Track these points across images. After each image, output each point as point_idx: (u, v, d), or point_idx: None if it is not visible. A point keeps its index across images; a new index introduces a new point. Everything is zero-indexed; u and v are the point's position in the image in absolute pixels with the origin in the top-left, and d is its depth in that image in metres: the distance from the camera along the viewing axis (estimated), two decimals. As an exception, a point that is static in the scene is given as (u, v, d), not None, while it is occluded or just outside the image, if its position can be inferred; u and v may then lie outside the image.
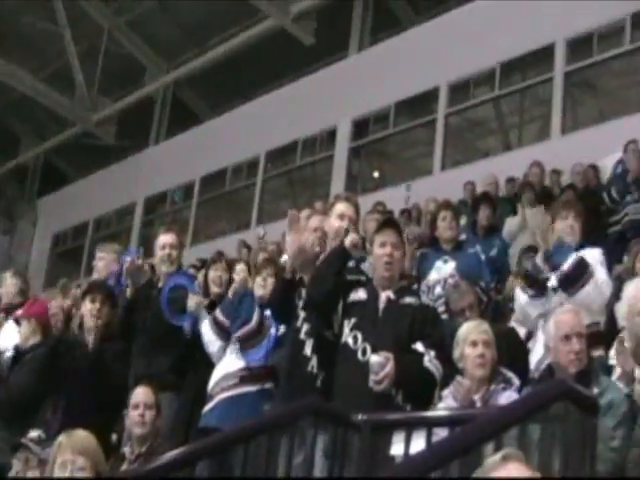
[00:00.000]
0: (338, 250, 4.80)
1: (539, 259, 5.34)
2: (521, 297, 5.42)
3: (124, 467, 4.96)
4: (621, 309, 5.13)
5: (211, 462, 3.87)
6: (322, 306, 4.69)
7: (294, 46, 17.72)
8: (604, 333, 5.45)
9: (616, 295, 5.57)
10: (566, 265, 5.21)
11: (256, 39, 18.27)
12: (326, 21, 17.47)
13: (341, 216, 5.11)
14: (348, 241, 4.76)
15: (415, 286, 6.01)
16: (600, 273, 5.26)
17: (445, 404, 4.47)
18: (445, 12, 15.51)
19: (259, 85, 18.80)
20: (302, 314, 4.97)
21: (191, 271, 7.82)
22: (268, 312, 5.61)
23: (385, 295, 4.55)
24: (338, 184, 15.90)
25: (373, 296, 4.57)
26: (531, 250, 7.70)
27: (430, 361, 4.33)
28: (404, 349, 4.33)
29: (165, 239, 6.44)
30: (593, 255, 5.40)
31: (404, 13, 17.40)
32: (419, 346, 4.37)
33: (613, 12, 12.59)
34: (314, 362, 4.79)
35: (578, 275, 5.18)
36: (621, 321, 5.19)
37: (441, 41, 14.66)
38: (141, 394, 5.20)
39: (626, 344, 4.71)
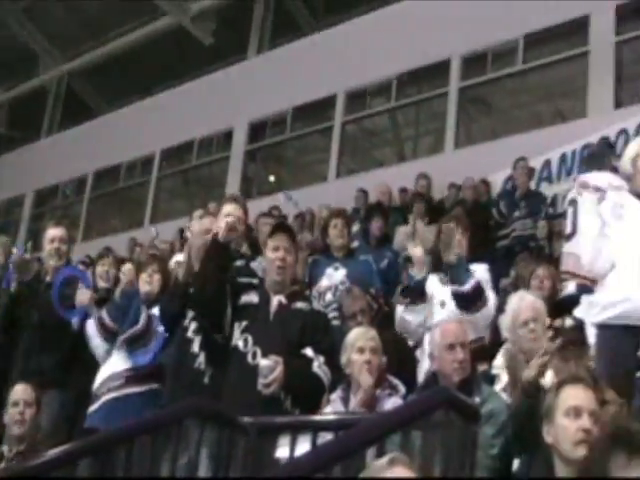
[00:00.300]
0: (212, 243, 4.69)
1: (413, 270, 5.43)
2: (398, 308, 5.51)
3: (2, 465, 4.84)
4: (505, 321, 5.26)
5: (93, 461, 3.80)
6: (208, 305, 4.63)
7: (193, 45, 17.64)
8: (488, 348, 5.58)
9: (500, 308, 5.72)
10: (468, 286, 5.33)
11: (155, 35, 18.14)
12: (226, 22, 17.45)
13: (228, 217, 5.12)
14: (217, 233, 4.68)
15: (307, 292, 6.03)
16: (489, 295, 5.41)
17: (333, 408, 4.50)
18: (345, 21, 15.62)
19: (157, 82, 18.64)
20: (190, 313, 4.93)
21: (80, 267, 7.67)
22: (155, 311, 5.55)
23: (277, 299, 4.54)
24: (233, 186, 15.87)
25: (265, 300, 4.56)
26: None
27: (319, 367, 4.34)
28: (294, 354, 4.34)
29: (54, 233, 6.32)
30: (481, 273, 5.55)
31: (304, 18, 17.48)
32: (309, 351, 4.38)
33: (507, 32, 12.95)
34: (202, 359, 4.76)
35: (476, 298, 5.32)
36: (504, 333, 5.33)
37: (340, 49, 14.75)
38: (20, 391, 5.08)
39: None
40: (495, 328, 5.73)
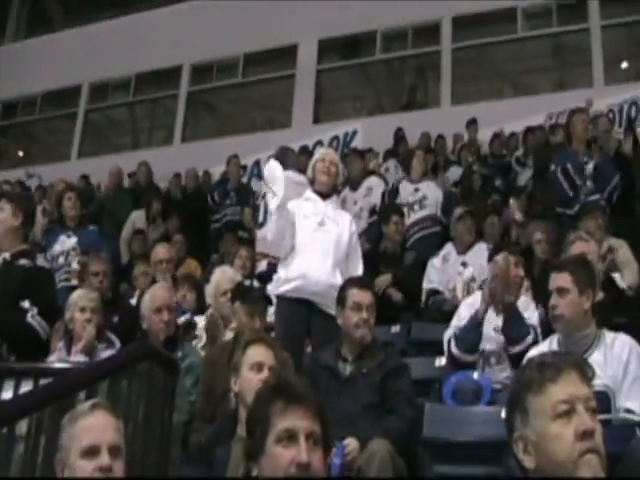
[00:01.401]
0: None
1: None
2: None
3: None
4: (208, 290, 5.35)
5: None
6: None
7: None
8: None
9: (207, 279, 5.80)
10: None
11: None
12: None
13: None
14: None
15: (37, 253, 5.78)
16: None
17: (57, 356, 4.36)
18: (95, 22, 15.07)
19: None
20: None
21: None
22: None
23: (2, 257, 4.33)
24: (-17, 158, 14.99)
25: (-9, 257, 4.33)
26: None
27: (33, 317, 4.16)
28: (11, 305, 4.14)
29: None
30: None
31: (57, 15, 16.72)
32: (26, 303, 4.19)
33: (230, 49, 13.17)
34: None
35: None
36: (208, 299, 5.41)
37: (88, 45, 14.22)
38: None
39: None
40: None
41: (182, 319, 5.08)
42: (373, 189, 7.54)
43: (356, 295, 3.94)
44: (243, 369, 3.34)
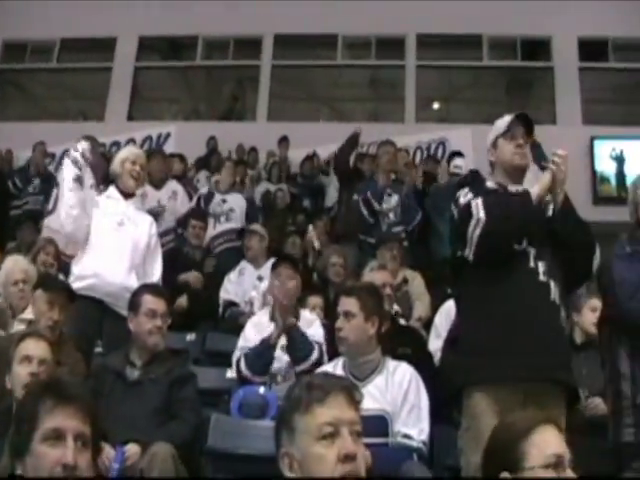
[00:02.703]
0: None
1: None
2: None
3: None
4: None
5: None
6: None
7: None
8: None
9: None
10: None
11: None
12: None
13: None
14: None
15: None
16: None
17: None
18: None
19: None
20: None
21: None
22: None
23: None
24: None
25: None
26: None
27: None
28: None
29: None
30: None
31: None
32: None
33: (47, 31, 12.58)
34: None
35: None
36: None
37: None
38: None
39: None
40: None
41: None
42: (178, 195, 7.47)
43: (150, 302, 3.89)
44: (14, 363, 3.30)
